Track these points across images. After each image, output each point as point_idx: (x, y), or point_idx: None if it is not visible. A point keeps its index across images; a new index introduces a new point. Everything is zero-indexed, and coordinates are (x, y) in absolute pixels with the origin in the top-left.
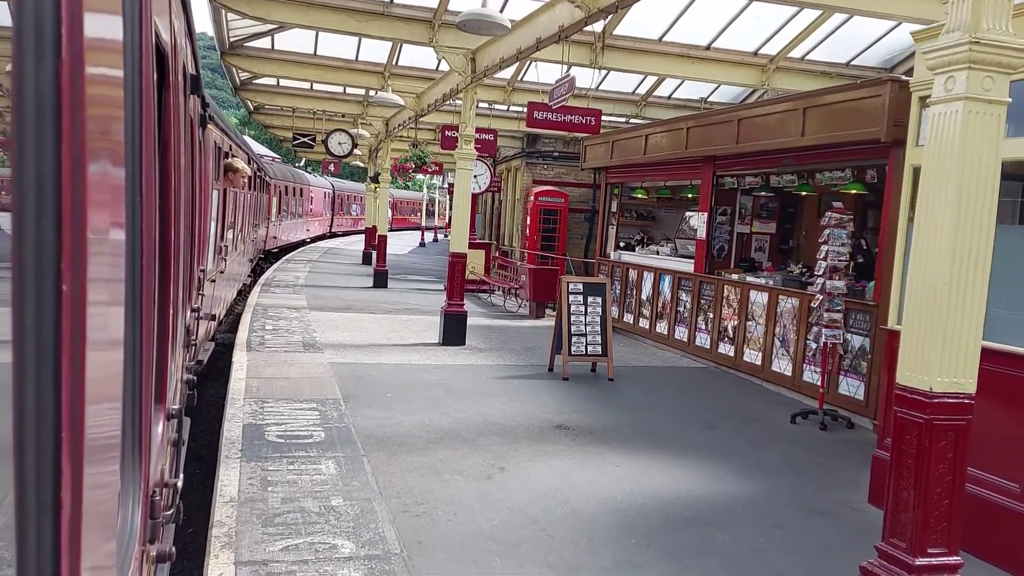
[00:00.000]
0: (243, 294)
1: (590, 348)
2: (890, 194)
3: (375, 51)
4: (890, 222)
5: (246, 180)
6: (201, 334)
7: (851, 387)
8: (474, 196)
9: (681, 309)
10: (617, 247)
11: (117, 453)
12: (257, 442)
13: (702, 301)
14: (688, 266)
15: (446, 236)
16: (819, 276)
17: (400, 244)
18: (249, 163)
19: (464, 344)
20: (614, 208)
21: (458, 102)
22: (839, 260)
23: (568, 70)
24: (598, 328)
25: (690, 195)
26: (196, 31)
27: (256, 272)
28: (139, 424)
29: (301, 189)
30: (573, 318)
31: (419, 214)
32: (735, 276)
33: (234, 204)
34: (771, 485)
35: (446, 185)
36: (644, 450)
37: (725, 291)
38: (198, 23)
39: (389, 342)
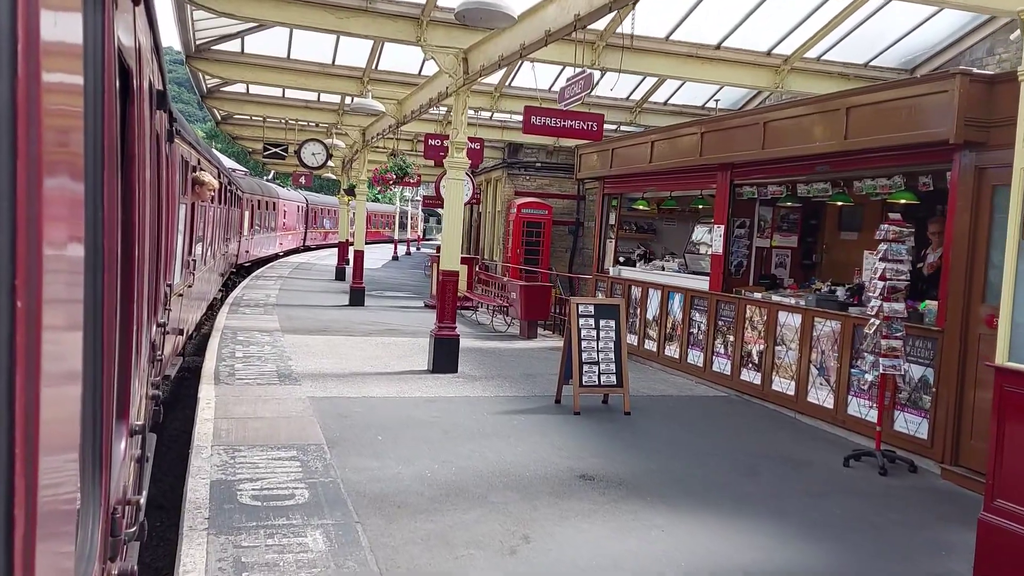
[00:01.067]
0: (214, 308)
1: (603, 378)
2: (955, 203)
3: (354, 53)
4: (957, 235)
5: (214, 194)
6: (168, 349)
7: (911, 424)
8: None
9: (695, 331)
10: (616, 262)
11: (75, 469)
12: (228, 506)
13: (720, 322)
14: (702, 283)
15: (418, 249)
16: (874, 296)
17: (373, 258)
18: (219, 177)
19: (456, 371)
20: (612, 220)
21: (443, 108)
22: (899, 279)
23: (563, 70)
24: (612, 355)
25: (700, 206)
26: (163, 46)
27: (228, 286)
28: (100, 440)
29: (274, 203)
30: (584, 344)
31: (391, 227)
32: (758, 295)
33: (203, 218)
34: (848, 552)
35: (420, 197)
36: (686, 506)
37: (748, 312)
38: (163, 31)
39: (373, 370)
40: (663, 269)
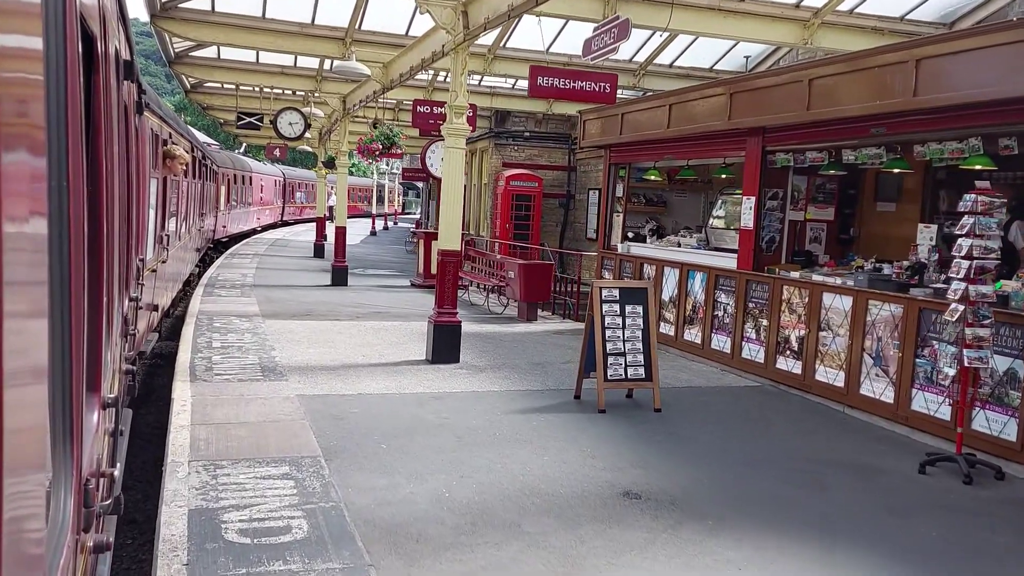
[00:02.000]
0: (190, 284)
1: (630, 371)
2: None
3: (335, 12)
4: None
5: (186, 167)
6: (143, 325)
7: (994, 424)
8: (438, 183)
9: (720, 313)
10: (625, 238)
11: (44, 440)
12: (211, 545)
13: (751, 304)
14: (728, 261)
15: (395, 224)
16: (957, 278)
17: (350, 233)
18: (193, 151)
19: (459, 361)
20: (620, 192)
21: (430, 73)
22: (988, 258)
23: (565, 25)
24: (639, 345)
25: (723, 175)
26: (130, 15)
27: (205, 262)
28: (70, 412)
29: (251, 177)
30: (609, 333)
31: (369, 201)
32: (795, 274)
33: (177, 193)
34: None
35: (396, 171)
36: (758, 533)
37: (785, 293)
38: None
39: (366, 360)
40: (679, 245)
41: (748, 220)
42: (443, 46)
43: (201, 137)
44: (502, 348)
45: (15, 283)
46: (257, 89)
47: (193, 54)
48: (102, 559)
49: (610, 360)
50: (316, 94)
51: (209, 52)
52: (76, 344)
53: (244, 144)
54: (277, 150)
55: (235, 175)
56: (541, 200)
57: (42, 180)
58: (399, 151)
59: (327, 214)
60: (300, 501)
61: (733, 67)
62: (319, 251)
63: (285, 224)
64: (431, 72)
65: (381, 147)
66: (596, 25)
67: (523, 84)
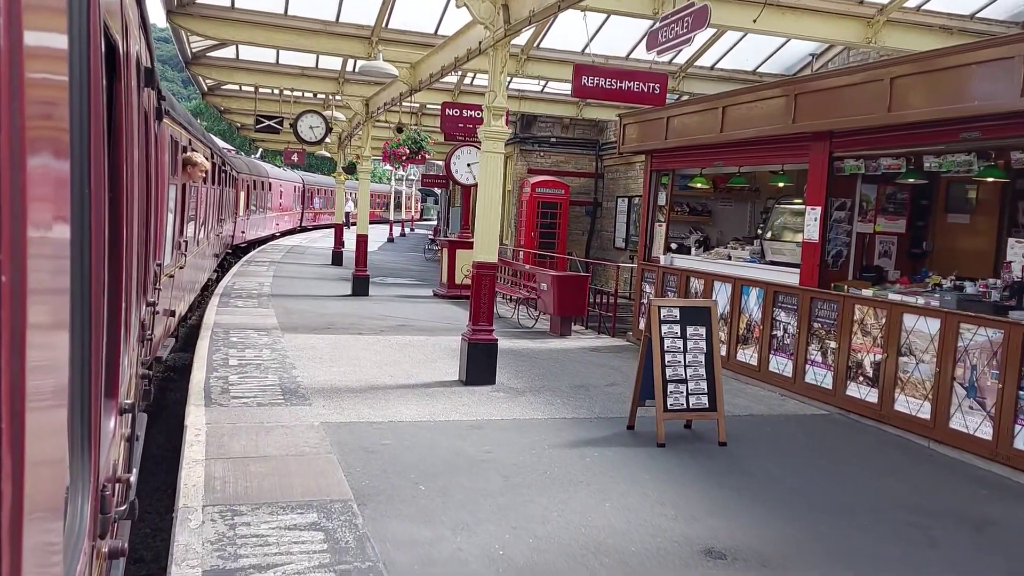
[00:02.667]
0: (208, 289)
1: (692, 400)
2: None
3: (361, 10)
4: None
5: (205, 174)
6: (160, 330)
7: None
8: (465, 189)
9: (779, 333)
10: (668, 249)
11: (63, 446)
12: None
13: (816, 324)
14: (789, 276)
15: (412, 230)
16: None
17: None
18: (212, 157)
19: (495, 383)
20: (662, 201)
21: (458, 75)
22: None
23: (606, 19)
24: (702, 371)
25: (779, 183)
26: (151, 23)
27: (223, 267)
28: (88, 418)
29: (270, 183)
30: (669, 357)
31: (387, 207)
32: (868, 292)
33: (196, 199)
34: None
35: (416, 176)
36: None
37: (857, 312)
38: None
39: (394, 381)
40: (729, 258)
41: (813, 232)
42: (480, 43)
43: (219, 143)
44: (538, 367)
45: (39, 288)
46: (276, 92)
47: (211, 55)
48: (116, 565)
49: (670, 388)
50: (338, 97)
51: (227, 53)
52: (96, 349)
53: (260, 149)
54: (295, 155)
55: (255, 181)
56: (568, 208)
57: (66, 185)
58: (427, 155)
59: (345, 220)
60: (332, 560)
61: (777, 70)
62: (337, 259)
63: (304, 230)
64: (458, 74)
65: (408, 152)
66: (665, 14)
67: (552, 88)
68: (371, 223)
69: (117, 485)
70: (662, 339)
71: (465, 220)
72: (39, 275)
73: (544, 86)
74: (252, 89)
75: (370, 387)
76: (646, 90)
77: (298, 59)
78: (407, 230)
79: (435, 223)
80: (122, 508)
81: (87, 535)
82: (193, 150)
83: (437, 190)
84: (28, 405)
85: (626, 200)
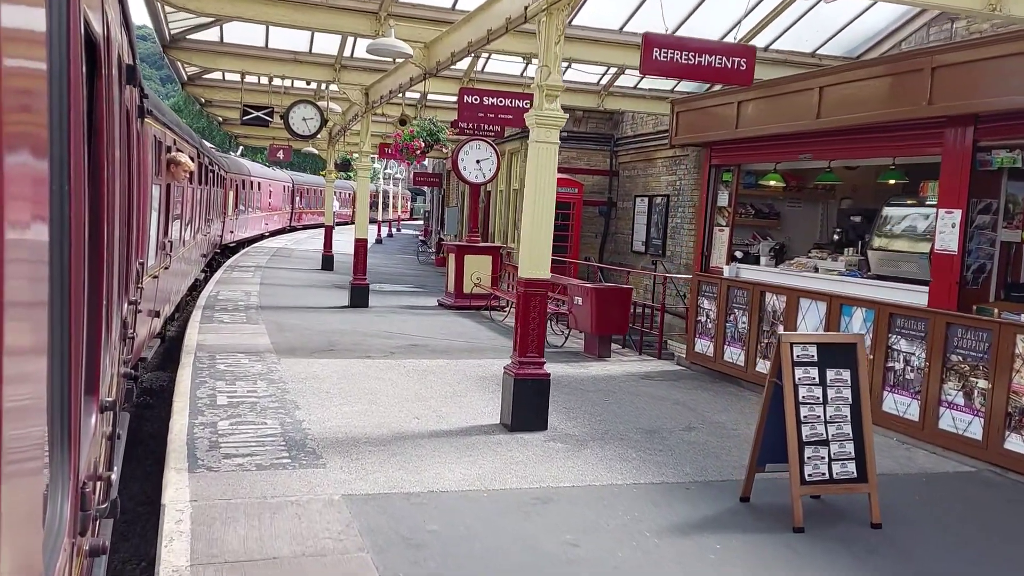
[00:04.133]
0: (196, 289)
1: (836, 467)
2: None
3: None
4: None
5: (189, 174)
6: (144, 331)
7: None
8: (474, 188)
9: (896, 365)
10: (732, 258)
11: (42, 443)
12: None
13: (955, 357)
14: (908, 295)
15: (399, 230)
16: None
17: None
18: (199, 157)
19: (546, 427)
20: (724, 201)
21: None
22: None
23: None
24: (847, 429)
25: (892, 181)
26: (133, 21)
27: (211, 266)
28: (68, 415)
29: (259, 183)
30: (806, 411)
31: (374, 207)
32: None
33: (182, 199)
34: None
35: (403, 175)
36: None
37: (1020, 345)
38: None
39: (423, 425)
40: (816, 270)
41: (949, 241)
42: (526, 8)
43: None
44: (589, 402)
45: (15, 285)
46: (266, 80)
47: (192, 37)
48: (98, 562)
49: (808, 452)
50: (333, 86)
51: (211, 36)
52: (75, 346)
53: (241, 147)
54: (281, 151)
55: (243, 180)
56: (581, 208)
57: (44, 183)
58: (446, 147)
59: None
60: None
61: (839, 52)
62: (327, 263)
63: (294, 229)
64: (468, 59)
65: (423, 144)
66: None
67: (571, 75)
68: (343, 223)
69: (98, 483)
70: (796, 386)
71: (474, 222)
72: (16, 272)
73: (569, 67)
74: (238, 77)
75: (395, 435)
76: (730, 66)
77: (289, 42)
78: (394, 230)
79: (424, 223)
80: (103, 506)
81: (67, 532)
82: (178, 150)
83: (426, 189)
84: (5, 401)
85: (646, 200)
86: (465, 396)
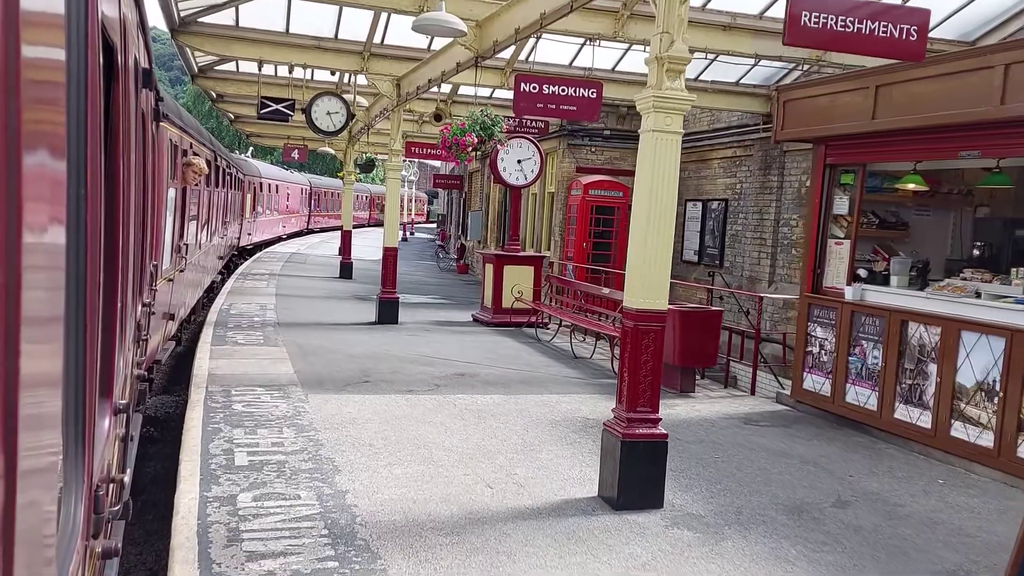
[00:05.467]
0: (214, 290)
1: None
2: None
3: None
4: None
5: (199, 176)
6: (159, 335)
7: None
8: (514, 192)
9: None
10: (855, 278)
11: (57, 445)
12: None
13: None
14: None
15: (412, 234)
16: None
17: (369, 246)
18: (216, 160)
19: (662, 504)
20: (844, 208)
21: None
22: None
23: None
24: None
25: None
26: (149, 24)
27: (228, 268)
28: (82, 418)
29: (277, 185)
30: None
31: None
32: None
33: (199, 202)
34: None
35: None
36: None
37: None
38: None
39: (501, 501)
40: (978, 295)
41: None
42: None
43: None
44: (696, 460)
45: (33, 287)
46: (284, 72)
47: (204, 20)
48: (110, 564)
49: None
50: (361, 77)
51: (224, 19)
52: (90, 349)
53: (251, 148)
54: (296, 151)
55: (261, 183)
56: (626, 213)
57: (62, 185)
58: (501, 142)
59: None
60: None
61: (953, 35)
62: (346, 271)
63: (311, 232)
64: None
65: (476, 139)
66: None
67: (624, 65)
68: (374, 226)
69: (111, 485)
70: None
71: (514, 229)
72: (34, 274)
73: (622, 56)
74: (253, 68)
75: (468, 516)
76: (896, 35)
77: (312, 27)
78: (407, 234)
79: (438, 227)
80: (116, 508)
81: (80, 535)
82: (195, 153)
83: (439, 191)
84: (21, 404)
85: (699, 204)
86: (540, 450)
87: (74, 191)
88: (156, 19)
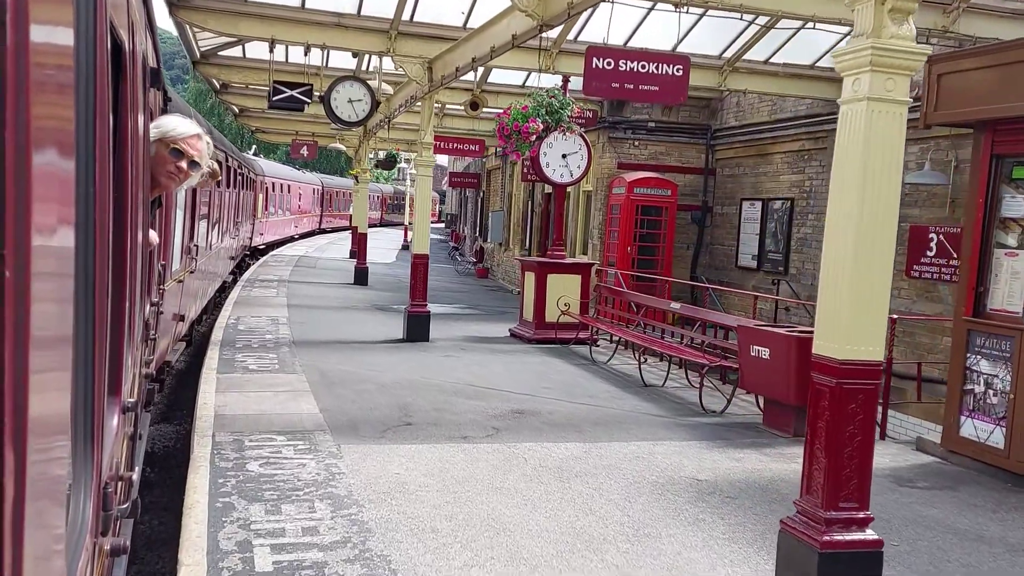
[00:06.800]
0: (225, 290)
1: None
2: None
3: None
4: None
5: (214, 180)
6: (169, 336)
7: None
8: (559, 191)
9: None
10: None
11: (66, 443)
12: None
13: None
14: None
15: None
16: None
17: (379, 248)
18: (227, 160)
19: None
20: (1018, 211)
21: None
22: None
23: None
24: None
25: None
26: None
27: (240, 267)
28: (91, 416)
29: (289, 186)
30: None
31: (394, 209)
32: None
33: (209, 202)
34: None
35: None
36: None
37: None
38: None
39: None
40: None
41: None
42: None
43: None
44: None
45: (43, 285)
46: (299, 55)
47: None
48: (118, 562)
49: None
50: (387, 60)
51: None
52: (99, 347)
53: (254, 146)
54: (305, 148)
55: (273, 183)
56: (675, 214)
57: (71, 184)
58: (574, 130)
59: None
60: None
61: None
62: (361, 277)
63: (323, 232)
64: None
65: (542, 125)
66: None
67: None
68: (379, 226)
69: (120, 483)
70: None
71: (558, 233)
72: (43, 272)
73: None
74: (262, 55)
75: None
76: None
77: (332, 1)
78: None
79: (450, 228)
80: (124, 506)
81: (89, 532)
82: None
83: (447, 188)
84: (31, 401)
85: (758, 204)
86: (659, 536)
87: (83, 189)
88: None
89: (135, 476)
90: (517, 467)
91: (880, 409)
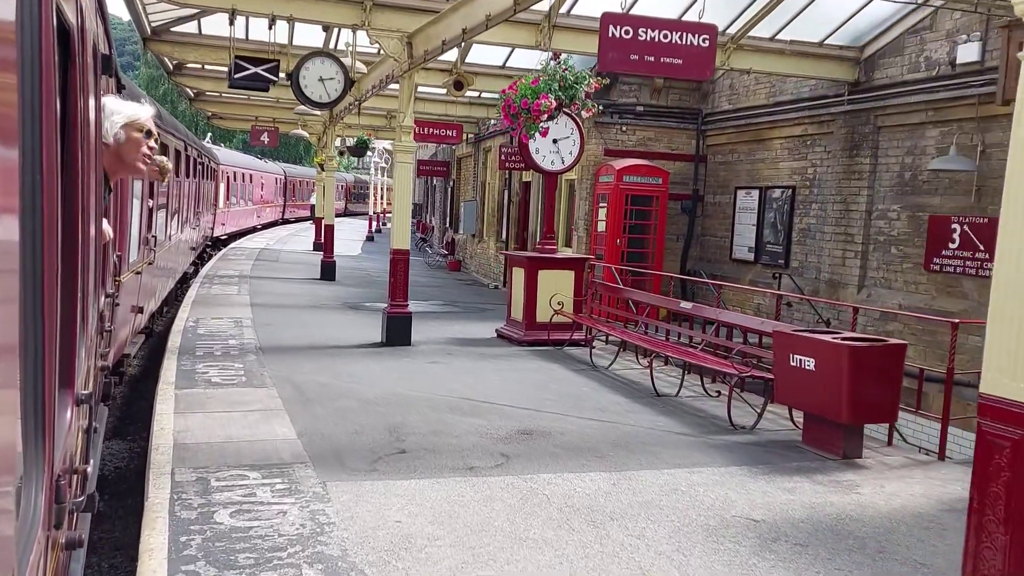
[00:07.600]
0: (186, 281)
1: None
2: None
3: None
4: None
5: (167, 175)
6: (127, 328)
7: None
8: (550, 180)
9: None
10: None
11: (15, 435)
12: None
13: None
14: None
15: (385, 224)
16: None
17: (345, 237)
18: (186, 150)
19: None
20: None
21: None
22: None
23: None
24: None
25: None
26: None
27: (202, 258)
28: (42, 408)
29: (251, 175)
30: None
31: (365, 200)
32: None
33: (168, 192)
34: None
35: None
36: None
37: None
38: None
39: None
40: None
41: None
42: None
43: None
44: None
45: None
46: (266, 26)
47: None
48: (75, 556)
49: None
50: (361, 34)
51: None
52: (49, 339)
53: (209, 133)
54: (266, 135)
55: (235, 172)
56: (666, 204)
57: (14, 174)
58: (589, 108)
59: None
60: None
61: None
62: (328, 272)
63: (287, 222)
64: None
65: (555, 103)
66: None
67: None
68: (349, 215)
69: (74, 476)
70: None
71: (549, 225)
72: None
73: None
74: (220, 31)
75: None
76: None
77: None
78: (380, 225)
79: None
80: (79, 499)
81: (41, 525)
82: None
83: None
84: None
85: (754, 193)
86: None
87: (29, 180)
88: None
89: (90, 469)
90: (540, 508)
91: (941, 421)
